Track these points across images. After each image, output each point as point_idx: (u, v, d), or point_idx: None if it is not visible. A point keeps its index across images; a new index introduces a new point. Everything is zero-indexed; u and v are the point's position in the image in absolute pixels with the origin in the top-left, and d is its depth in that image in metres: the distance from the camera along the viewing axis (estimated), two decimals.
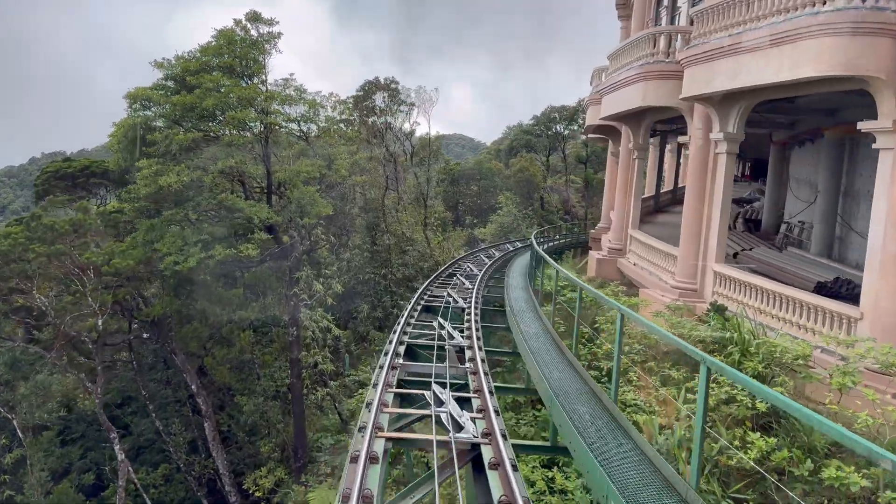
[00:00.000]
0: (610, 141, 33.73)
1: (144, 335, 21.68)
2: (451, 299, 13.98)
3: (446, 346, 9.59)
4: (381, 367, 8.09)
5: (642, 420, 11.74)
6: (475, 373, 8.08)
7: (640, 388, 13.97)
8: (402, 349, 9.49)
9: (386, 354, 8.89)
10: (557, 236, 49.87)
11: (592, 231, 36.14)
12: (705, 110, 18.77)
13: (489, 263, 22.80)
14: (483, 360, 8.66)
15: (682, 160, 53.21)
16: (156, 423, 21.93)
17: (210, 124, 19.75)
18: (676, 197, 47.04)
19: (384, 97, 32.08)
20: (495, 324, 14.12)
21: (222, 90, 18.87)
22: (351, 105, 30.99)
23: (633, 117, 24.57)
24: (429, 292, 16.12)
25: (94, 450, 21.38)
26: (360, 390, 20.83)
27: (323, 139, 24.14)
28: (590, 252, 29.72)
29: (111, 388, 24.29)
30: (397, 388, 7.54)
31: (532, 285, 16.82)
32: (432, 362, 8.77)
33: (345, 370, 24.05)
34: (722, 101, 17.69)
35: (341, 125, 27.75)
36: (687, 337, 13.46)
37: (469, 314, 12.27)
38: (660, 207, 43.32)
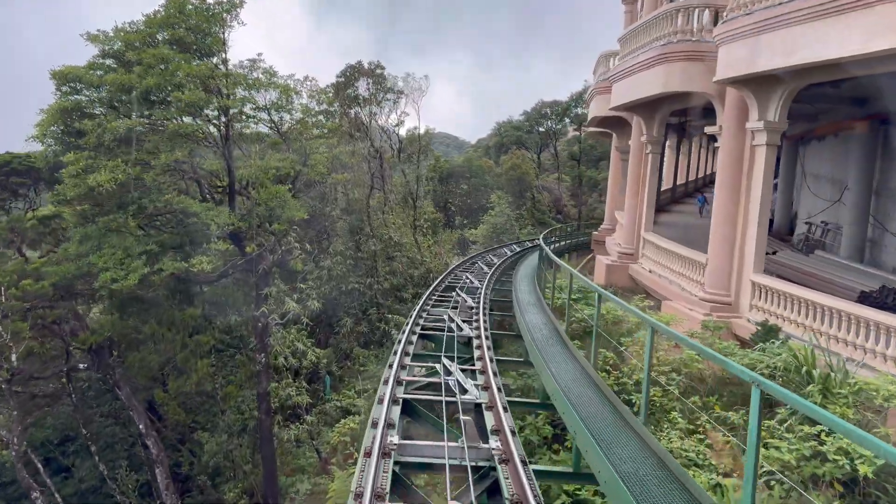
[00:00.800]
0: (614, 135, 31.37)
1: (81, 365, 18.45)
2: (453, 325, 11.36)
3: (458, 405, 6.98)
4: (369, 455, 5.45)
5: (700, 480, 9.27)
6: (507, 461, 5.48)
7: (688, 431, 11.47)
8: (396, 412, 6.86)
9: (374, 426, 6.24)
10: (553, 237, 47.54)
11: (595, 233, 33.83)
12: (740, 96, 16.46)
13: (490, 273, 20.23)
14: (514, 432, 6.08)
15: (680, 157, 51.25)
16: (100, 466, 18.78)
17: (158, 110, 16.50)
18: (675, 195, 45.21)
19: (368, 84, 29.01)
20: (511, 357, 11.57)
21: (169, 67, 15.68)
22: (331, 94, 27.84)
23: (646, 107, 22.20)
24: (425, 312, 13.46)
25: (26, 498, 18.12)
26: (343, 420, 18.13)
27: (299, 131, 21.24)
28: (596, 257, 27.29)
29: (46, 424, 20.98)
30: (391, 499, 4.88)
31: (551, 304, 14.30)
32: (440, 436, 6.17)
33: (325, 394, 21.28)
34: (763, 84, 15.37)
35: (320, 117, 24.91)
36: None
37: (480, 348, 9.65)
38: (661, 207, 41.27)
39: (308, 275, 25.36)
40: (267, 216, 16.26)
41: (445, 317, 12.16)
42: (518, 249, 31.46)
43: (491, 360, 8.67)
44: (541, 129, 75.46)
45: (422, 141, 32.03)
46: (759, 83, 15.32)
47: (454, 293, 15.79)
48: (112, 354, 18.07)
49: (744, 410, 10.90)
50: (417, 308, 13.22)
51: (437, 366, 8.16)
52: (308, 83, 21.41)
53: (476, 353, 9.30)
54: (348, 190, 25.77)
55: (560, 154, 74.63)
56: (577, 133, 70.63)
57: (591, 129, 33.04)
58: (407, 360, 8.84)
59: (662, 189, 42.82)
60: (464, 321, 11.92)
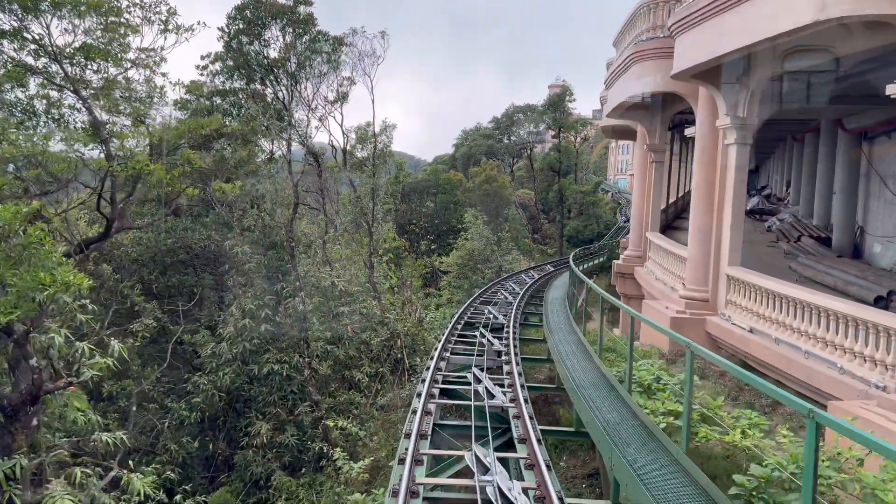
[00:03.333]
0: (642, 130, 23.74)
1: None
2: None
3: None
4: None
5: None
6: None
7: None
8: None
9: None
10: (550, 266, 39.75)
11: (618, 262, 25.86)
12: None
13: (506, 350, 11.77)
14: None
15: (683, 160, 44.84)
16: None
17: None
18: (678, 210, 38.74)
19: (285, 32, 18.82)
20: None
21: None
22: (224, 53, 17.78)
23: (736, 68, 14.55)
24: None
25: None
26: None
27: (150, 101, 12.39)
28: (644, 304, 19.15)
29: None
30: None
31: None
32: None
33: None
34: None
35: (213, 96, 16.02)
36: None
37: None
38: (669, 222, 34.38)
39: (201, 351, 16.07)
40: None
41: None
42: (519, 291, 23.07)
43: None
44: (513, 137, 68.39)
45: (378, 139, 23.29)
46: None
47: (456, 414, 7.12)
48: None
49: None
50: None
51: None
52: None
53: None
54: (263, 212, 16.78)
55: (535, 165, 67.59)
56: (556, 140, 63.65)
57: (611, 122, 25.31)
58: None
59: (668, 202, 36.12)
60: None
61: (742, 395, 13.46)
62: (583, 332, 14.18)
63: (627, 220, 72.03)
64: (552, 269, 36.86)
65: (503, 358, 11.44)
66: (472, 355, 11.61)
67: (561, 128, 60.58)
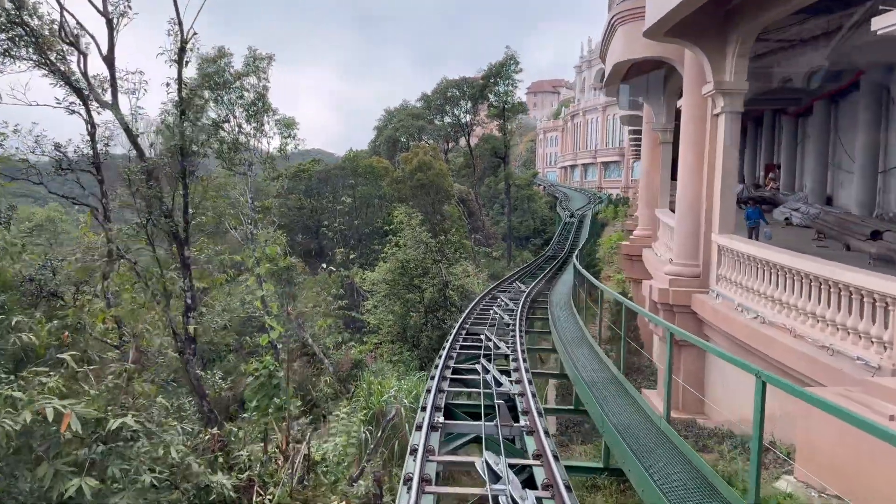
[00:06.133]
0: (704, 59, 14.31)
1: None
2: None
3: None
4: None
5: None
6: None
7: None
8: None
9: None
10: (520, 283, 30.17)
11: (658, 286, 16.34)
12: None
13: None
14: None
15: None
16: None
17: None
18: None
19: None
20: None
21: None
22: None
23: None
24: None
25: None
26: None
27: None
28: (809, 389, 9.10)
29: None
30: None
31: None
32: None
33: None
34: None
35: None
36: None
37: None
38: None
39: None
40: None
41: None
42: (504, 350, 12.87)
43: None
44: (447, 117, 58.16)
45: (244, 80, 12.98)
46: None
47: None
48: None
49: None
50: None
51: None
52: None
53: None
54: None
55: (474, 150, 57.93)
56: (501, 120, 53.88)
57: (647, 50, 15.69)
58: None
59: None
60: None
61: None
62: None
63: (572, 216, 65.31)
64: (522, 286, 27.30)
65: None
66: None
67: (506, 105, 51.18)
